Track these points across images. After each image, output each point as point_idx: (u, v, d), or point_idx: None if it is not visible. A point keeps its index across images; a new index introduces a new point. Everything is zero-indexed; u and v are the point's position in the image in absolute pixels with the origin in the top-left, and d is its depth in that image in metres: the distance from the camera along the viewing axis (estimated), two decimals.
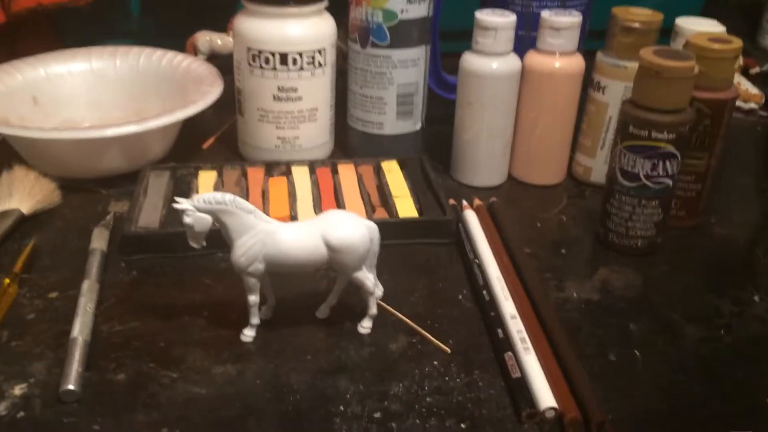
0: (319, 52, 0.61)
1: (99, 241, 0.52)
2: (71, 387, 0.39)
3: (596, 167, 0.64)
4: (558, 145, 0.64)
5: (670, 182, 0.52)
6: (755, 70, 0.89)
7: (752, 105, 0.82)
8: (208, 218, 0.41)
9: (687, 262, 0.55)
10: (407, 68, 0.63)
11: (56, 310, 0.46)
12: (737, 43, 0.53)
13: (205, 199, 0.40)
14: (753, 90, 0.83)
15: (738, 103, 0.81)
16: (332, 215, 0.43)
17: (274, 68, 0.60)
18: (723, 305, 0.50)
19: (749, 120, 0.81)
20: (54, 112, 0.67)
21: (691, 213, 0.59)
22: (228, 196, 0.40)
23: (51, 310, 0.46)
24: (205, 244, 0.42)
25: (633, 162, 0.52)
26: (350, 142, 0.68)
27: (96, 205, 0.58)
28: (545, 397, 0.40)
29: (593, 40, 0.66)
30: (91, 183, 0.61)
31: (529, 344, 0.43)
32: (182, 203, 0.40)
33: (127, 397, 0.40)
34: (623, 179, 0.53)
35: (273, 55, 0.60)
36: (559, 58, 0.60)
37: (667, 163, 0.51)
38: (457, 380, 0.42)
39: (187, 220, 0.40)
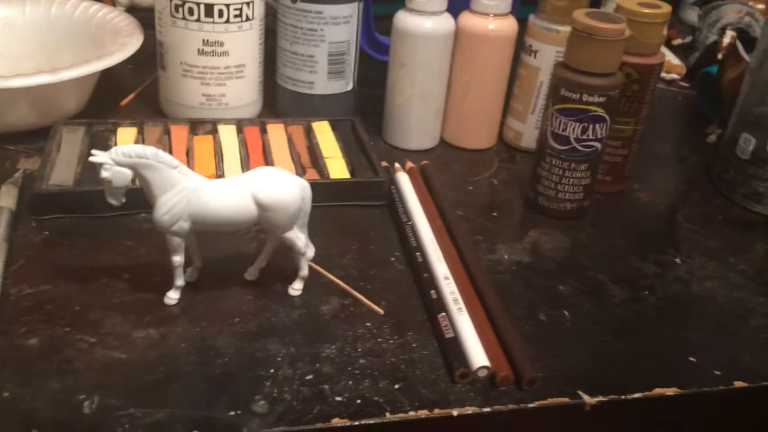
0: (247, 4, 0.58)
1: (7, 199, 0.48)
2: None
3: (527, 132, 0.64)
4: (490, 110, 0.64)
5: (599, 146, 0.53)
6: (677, 41, 0.91)
7: (674, 76, 0.84)
8: (128, 173, 0.38)
9: (613, 226, 0.56)
10: (339, 25, 0.61)
11: None
12: (666, 8, 0.54)
13: (124, 152, 0.37)
14: (675, 61, 0.85)
15: (661, 73, 0.83)
16: (263, 172, 0.41)
17: (199, 20, 0.57)
18: (647, 267, 0.52)
19: (671, 90, 0.83)
20: None
21: (616, 178, 0.60)
22: (150, 149, 0.38)
23: None
24: (124, 201, 0.40)
25: (564, 125, 0.52)
26: (280, 101, 0.66)
27: (3, 162, 0.54)
28: (478, 356, 0.40)
29: (527, 5, 0.66)
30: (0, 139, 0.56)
31: (462, 305, 0.43)
32: (99, 156, 0.37)
33: (39, 363, 0.37)
34: (554, 142, 0.53)
35: (198, 5, 0.57)
36: (493, 19, 0.59)
37: (597, 126, 0.52)
38: (390, 342, 0.42)
39: (104, 174, 0.38)
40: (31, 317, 0.40)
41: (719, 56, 0.72)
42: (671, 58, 0.85)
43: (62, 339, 0.39)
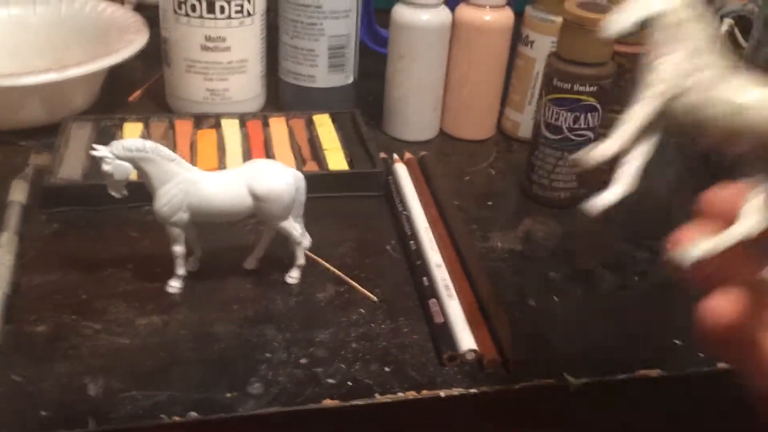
0: (248, 0, 0.60)
1: (18, 193, 0.50)
2: None
3: (524, 122, 0.65)
4: (487, 100, 0.65)
5: (591, 135, 0.54)
6: None
7: None
8: (128, 166, 0.40)
9: (607, 213, 0.57)
10: (338, 19, 0.62)
11: None
12: None
13: (124, 146, 0.39)
14: None
15: None
16: (257, 164, 0.43)
17: (201, 16, 0.59)
18: (639, 254, 0.52)
19: None
20: None
21: (611, 167, 0.60)
22: (149, 143, 0.40)
23: None
24: (126, 193, 0.41)
25: (557, 115, 0.53)
26: (282, 95, 0.67)
27: (15, 157, 0.56)
28: (466, 340, 0.41)
29: None
30: (10, 134, 0.58)
31: (452, 291, 0.45)
32: (100, 150, 0.39)
33: (47, 348, 0.39)
34: (547, 132, 0.54)
35: (200, 2, 0.58)
36: (489, 11, 0.60)
37: (589, 116, 0.53)
38: (383, 327, 0.43)
39: (105, 167, 0.39)
40: (40, 306, 0.42)
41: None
42: None
43: (69, 326, 0.41)
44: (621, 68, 0.55)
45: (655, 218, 0.58)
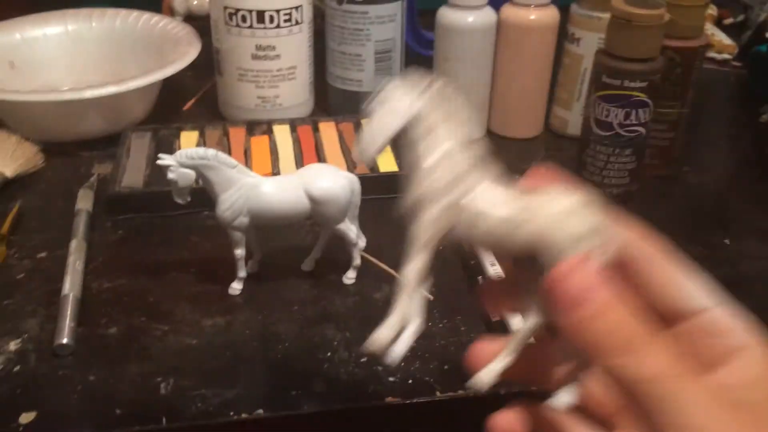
0: (296, 8, 0.61)
1: (84, 201, 0.52)
2: (65, 341, 0.40)
3: (572, 119, 0.65)
4: (535, 98, 0.65)
5: (643, 131, 0.53)
6: (729, 20, 0.90)
7: (726, 55, 0.83)
8: (192, 173, 0.41)
9: (661, 209, 0.57)
10: (384, 24, 0.63)
11: (45, 270, 0.47)
12: None
13: (188, 155, 0.41)
14: (727, 41, 0.84)
15: (712, 54, 0.83)
16: (314, 168, 0.44)
17: (251, 26, 0.60)
18: (694, 249, 0.52)
19: (723, 70, 0.82)
20: (31, 76, 0.67)
21: (664, 161, 0.60)
22: (210, 151, 0.41)
23: (40, 270, 0.47)
24: (189, 199, 0.43)
25: (607, 111, 0.53)
26: (330, 100, 0.69)
27: (79, 168, 0.59)
28: None
29: None
30: (73, 146, 0.61)
31: None
32: (165, 159, 0.41)
33: (120, 350, 0.41)
34: (598, 129, 0.54)
35: (250, 12, 0.60)
36: (534, 10, 0.60)
37: (640, 111, 0.52)
38: (440, 325, 0.44)
39: (170, 175, 0.41)
40: (110, 309, 0.44)
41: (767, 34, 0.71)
42: (722, 38, 0.84)
43: (139, 328, 0.43)
44: (671, 62, 0.55)
45: (708, 212, 0.57)
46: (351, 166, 0.58)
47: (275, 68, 0.63)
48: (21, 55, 0.67)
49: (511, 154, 0.64)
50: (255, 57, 0.62)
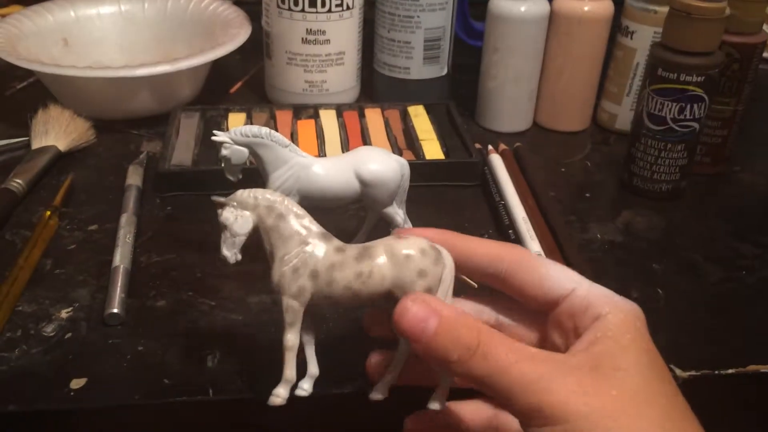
0: None
1: (134, 177, 0.53)
2: (115, 310, 0.41)
3: (622, 114, 0.64)
4: (584, 92, 0.64)
5: (696, 126, 0.52)
6: None
7: None
8: (245, 150, 0.42)
9: (710, 207, 0.56)
10: (435, 12, 0.63)
11: (96, 242, 0.48)
12: None
13: (242, 132, 0.41)
14: None
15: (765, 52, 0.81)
16: (365, 151, 0.44)
17: (303, 10, 0.61)
18: (745, 248, 0.51)
19: None
20: (84, 54, 0.68)
21: (716, 159, 0.59)
22: (264, 129, 0.41)
23: (91, 242, 0.48)
24: (241, 177, 0.43)
25: (661, 105, 0.52)
26: (377, 86, 0.69)
27: (129, 144, 0.60)
28: None
29: None
30: (123, 123, 0.62)
31: None
32: (220, 135, 0.41)
33: (168, 322, 0.42)
34: (650, 123, 0.53)
35: None
36: (588, 2, 0.60)
37: (695, 106, 0.51)
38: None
39: (224, 152, 0.41)
40: (159, 282, 0.45)
41: None
42: None
43: (186, 302, 0.43)
44: (729, 58, 0.54)
45: (759, 212, 0.56)
46: (397, 153, 0.58)
47: (324, 53, 0.63)
48: (75, 32, 0.68)
49: (556, 148, 0.63)
50: (305, 41, 0.62)
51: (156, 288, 0.44)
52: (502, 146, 0.60)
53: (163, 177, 0.53)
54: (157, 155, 0.56)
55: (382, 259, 0.31)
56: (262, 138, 0.41)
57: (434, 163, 0.56)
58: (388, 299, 0.32)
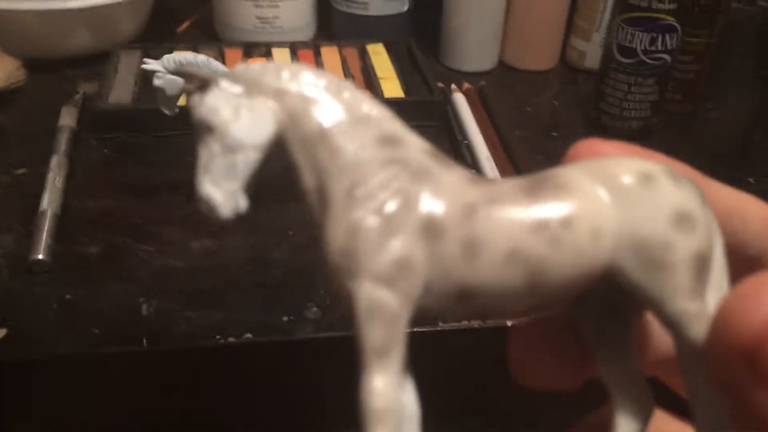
0: None
1: (67, 118, 0.49)
2: (40, 256, 0.37)
3: (591, 51, 0.61)
4: (552, 29, 0.61)
5: (668, 59, 0.50)
6: None
7: None
8: (180, 80, 0.38)
9: (682, 146, 0.54)
10: None
11: (24, 186, 0.44)
12: None
13: (175, 60, 0.37)
14: None
15: None
16: None
17: None
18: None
19: (749, 10, 0.78)
20: None
21: (688, 96, 0.56)
22: (200, 57, 0.38)
23: (19, 186, 0.44)
24: (177, 111, 0.40)
25: (631, 36, 0.49)
26: (334, 23, 0.65)
27: (64, 85, 0.55)
28: None
29: None
30: (59, 63, 0.57)
31: None
32: (151, 64, 0.37)
33: (100, 269, 0.38)
34: (620, 56, 0.50)
35: None
36: None
37: (667, 36, 0.49)
38: None
39: (157, 82, 0.38)
40: (92, 228, 0.41)
41: None
42: None
43: (122, 248, 0.40)
44: None
45: (732, 152, 0.54)
46: None
47: None
48: None
49: (523, 87, 0.60)
50: None
51: (88, 234, 0.41)
52: (466, 85, 0.57)
53: (100, 116, 0.49)
54: (94, 95, 0.52)
55: (590, 192, 0.15)
56: (198, 66, 0.38)
57: (393, 101, 0.53)
58: (590, 299, 0.16)
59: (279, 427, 0.39)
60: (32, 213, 0.41)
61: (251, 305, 0.37)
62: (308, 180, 0.17)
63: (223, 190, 0.16)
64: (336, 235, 0.15)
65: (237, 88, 0.16)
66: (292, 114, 0.16)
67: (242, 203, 0.16)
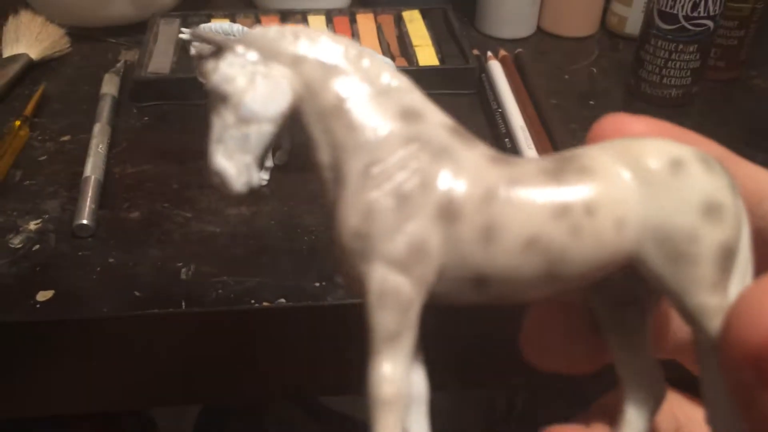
0: None
1: (109, 86, 0.50)
2: (85, 221, 0.39)
3: (632, 17, 0.60)
4: None
5: (711, 25, 0.48)
6: None
7: None
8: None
9: (723, 114, 0.52)
10: None
11: (68, 153, 0.45)
12: None
13: (212, 28, 0.38)
14: None
15: None
16: None
17: None
18: (759, 158, 0.48)
19: None
20: None
21: (730, 64, 0.55)
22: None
23: (63, 152, 0.46)
24: None
25: (673, 2, 0.48)
26: None
27: (105, 53, 0.56)
28: None
29: None
30: (100, 32, 0.58)
31: None
32: (188, 33, 0.38)
33: (141, 234, 0.40)
34: (661, 22, 0.49)
35: None
36: None
37: (709, 2, 0.47)
38: None
39: (193, 51, 0.38)
40: (133, 194, 0.42)
41: None
42: None
43: (161, 213, 0.41)
44: None
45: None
46: (390, 59, 0.54)
47: None
48: None
49: (560, 54, 0.59)
50: None
51: (129, 199, 0.42)
52: (502, 52, 0.56)
53: (140, 85, 0.50)
54: (134, 64, 0.53)
55: (616, 177, 0.15)
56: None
57: (428, 70, 0.53)
58: (608, 286, 0.16)
59: (309, 389, 0.40)
60: (76, 179, 0.42)
61: (285, 271, 0.38)
62: (323, 155, 0.16)
63: (236, 163, 0.15)
64: (350, 215, 0.15)
65: (253, 54, 0.15)
66: (309, 85, 0.16)
67: (255, 177, 0.16)
